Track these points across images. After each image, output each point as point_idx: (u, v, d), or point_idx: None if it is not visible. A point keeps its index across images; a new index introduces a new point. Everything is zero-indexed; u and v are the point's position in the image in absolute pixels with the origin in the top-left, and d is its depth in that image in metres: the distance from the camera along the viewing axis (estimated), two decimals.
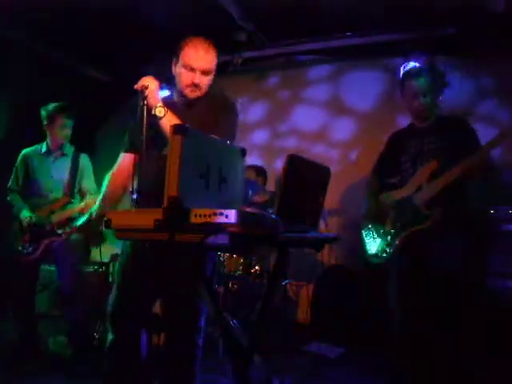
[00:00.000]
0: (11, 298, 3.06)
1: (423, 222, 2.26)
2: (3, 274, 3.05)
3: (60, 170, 3.06)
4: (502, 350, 2.66)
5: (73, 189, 3.02)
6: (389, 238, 2.36)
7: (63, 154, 3.11)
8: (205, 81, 1.89)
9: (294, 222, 1.42)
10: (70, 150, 3.15)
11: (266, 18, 3.90)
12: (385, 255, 2.36)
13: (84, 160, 3.14)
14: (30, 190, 3.07)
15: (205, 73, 1.87)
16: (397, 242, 2.32)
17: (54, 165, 3.08)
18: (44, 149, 3.11)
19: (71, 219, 2.96)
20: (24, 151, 3.17)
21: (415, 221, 2.29)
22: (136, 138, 1.88)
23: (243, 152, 1.55)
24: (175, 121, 1.74)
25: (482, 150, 2.20)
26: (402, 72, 2.63)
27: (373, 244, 2.45)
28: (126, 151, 2.05)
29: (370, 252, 2.46)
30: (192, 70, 1.86)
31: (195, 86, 1.86)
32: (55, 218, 2.94)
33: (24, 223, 2.95)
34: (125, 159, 2.04)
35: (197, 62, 1.85)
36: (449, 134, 2.33)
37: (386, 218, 2.42)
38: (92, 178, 3.14)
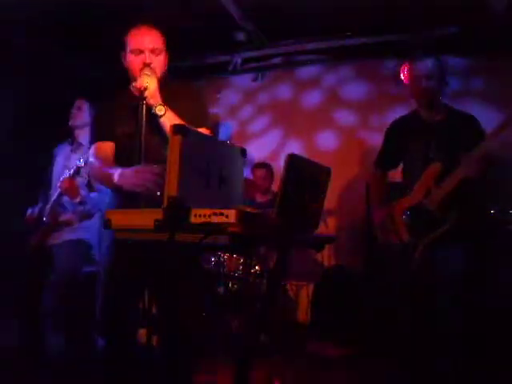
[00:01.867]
0: (16, 296, 3.04)
1: (440, 227, 2.19)
2: (10, 272, 3.03)
3: (73, 160, 3.00)
4: (503, 350, 2.66)
5: (75, 175, 2.88)
6: (410, 246, 2.26)
7: (80, 144, 3.07)
8: (156, 61, 1.85)
9: (294, 221, 1.41)
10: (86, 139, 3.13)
11: (265, 18, 3.89)
12: (410, 266, 2.26)
13: None
14: (51, 182, 3.06)
15: (154, 52, 1.85)
16: (418, 252, 2.23)
17: (72, 155, 3.06)
18: (70, 141, 3.14)
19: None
20: (55, 150, 3.19)
21: (432, 227, 2.21)
22: (118, 129, 1.86)
23: (243, 152, 1.55)
24: (175, 119, 1.74)
25: (480, 147, 2.14)
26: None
27: (395, 255, 2.36)
28: (105, 140, 1.89)
29: (394, 264, 2.39)
30: (140, 51, 1.84)
31: (147, 66, 1.82)
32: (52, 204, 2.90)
33: (28, 217, 2.96)
34: (106, 148, 1.87)
35: (143, 42, 1.84)
36: (459, 132, 2.28)
37: (400, 228, 2.32)
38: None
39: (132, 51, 1.86)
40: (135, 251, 1.73)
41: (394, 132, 2.52)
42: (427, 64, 2.31)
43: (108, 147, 1.88)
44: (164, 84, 1.87)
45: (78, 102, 3.10)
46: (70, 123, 3.09)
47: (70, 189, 2.78)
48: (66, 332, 3.02)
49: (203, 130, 1.79)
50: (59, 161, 3.11)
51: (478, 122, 2.33)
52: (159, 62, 1.87)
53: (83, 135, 3.07)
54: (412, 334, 2.29)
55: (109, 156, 1.86)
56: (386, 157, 2.56)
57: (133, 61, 1.86)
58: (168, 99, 1.83)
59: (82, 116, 3.08)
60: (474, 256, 2.30)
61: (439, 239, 2.19)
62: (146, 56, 1.84)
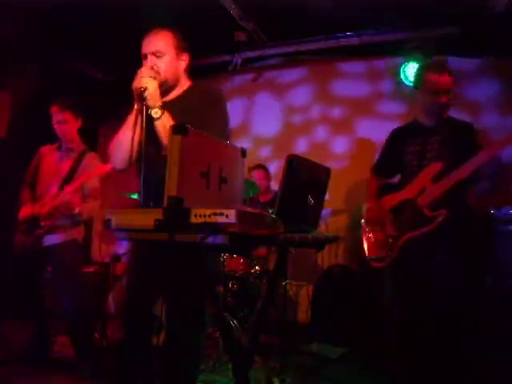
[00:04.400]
0: (23, 297, 3.05)
1: (427, 225, 2.19)
2: (13, 273, 3.03)
3: (63, 165, 3.04)
4: (502, 350, 2.66)
5: (66, 183, 2.93)
6: (390, 241, 2.28)
7: (70, 150, 3.08)
8: (160, 63, 1.85)
9: (294, 222, 1.41)
10: (78, 146, 3.11)
11: (265, 18, 3.90)
12: (387, 259, 2.28)
13: (90, 159, 3.07)
14: (38, 183, 3.07)
15: (156, 55, 1.85)
16: (399, 246, 2.24)
17: (60, 160, 3.07)
18: (59, 147, 3.14)
19: (57, 211, 2.89)
20: (42, 148, 3.19)
21: (418, 224, 2.21)
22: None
23: (243, 152, 1.55)
24: (171, 123, 1.70)
25: (489, 149, 2.13)
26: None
27: (374, 247, 2.37)
28: None
29: (371, 256, 2.38)
30: (145, 57, 1.86)
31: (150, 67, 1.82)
32: (44, 209, 2.90)
33: (20, 217, 2.95)
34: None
35: (145, 46, 1.87)
36: (455, 136, 2.29)
37: (387, 221, 2.35)
38: (95, 179, 3.01)
39: (142, 58, 1.88)
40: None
41: (393, 141, 2.54)
42: (447, 78, 2.28)
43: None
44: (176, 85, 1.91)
45: (61, 115, 3.03)
46: (60, 137, 3.07)
47: (68, 202, 2.82)
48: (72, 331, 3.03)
49: None
50: (47, 164, 3.10)
51: (478, 132, 2.34)
52: (162, 64, 1.86)
53: (72, 141, 3.10)
54: (404, 332, 2.30)
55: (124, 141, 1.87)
56: (383, 165, 2.58)
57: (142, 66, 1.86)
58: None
59: (70, 128, 3.07)
60: (472, 256, 2.30)
61: (425, 238, 2.20)
62: (149, 59, 1.85)
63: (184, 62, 1.95)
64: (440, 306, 2.19)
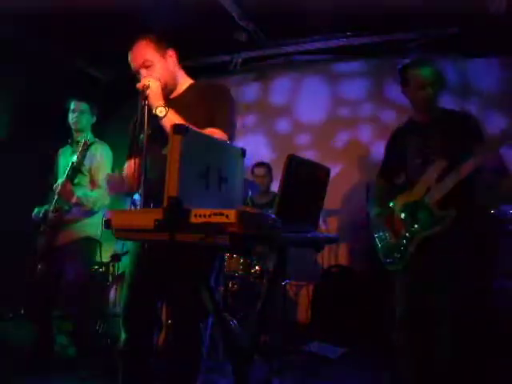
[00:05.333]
0: (29, 298, 3.05)
1: (438, 224, 2.20)
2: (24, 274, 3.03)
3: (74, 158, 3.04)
4: (504, 350, 2.66)
5: (74, 174, 2.88)
6: (404, 241, 2.28)
7: (80, 142, 2.99)
8: (153, 72, 1.86)
9: (294, 221, 1.41)
10: (89, 138, 3.05)
11: (266, 18, 3.90)
12: (402, 262, 2.28)
13: (98, 149, 3.05)
14: (55, 182, 3.05)
15: (145, 65, 1.87)
16: (412, 248, 2.24)
17: (73, 154, 3.03)
18: (70, 142, 3.19)
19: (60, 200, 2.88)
20: (59, 150, 3.24)
21: (429, 224, 2.22)
22: (132, 140, 1.90)
23: (243, 152, 1.55)
24: (177, 120, 1.73)
25: (491, 145, 2.15)
26: (401, 64, 2.48)
27: (387, 250, 2.36)
28: (128, 158, 2.00)
29: (385, 259, 2.36)
30: (138, 72, 1.88)
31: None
32: (54, 205, 2.90)
33: (35, 218, 2.98)
34: (129, 165, 1.96)
35: (133, 63, 1.89)
36: (453, 128, 2.28)
37: (398, 224, 2.34)
38: (105, 168, 3.00)
39: (136, 74, 1.89)
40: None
41: (393, 142, 2.55)
42: (429, 71, 2.30)
43: (131, 164, 1.90)
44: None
45: (78, 105, 3.08)
46: (73, 127, 3.10)
47: (64, 191, 2.81)
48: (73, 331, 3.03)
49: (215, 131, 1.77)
50: (61, 163, 3.14)
51: (475, 120, 2.33)
52: (156, 72, 1.87)
53: (83, 133, 3.11)
54: (405, 332, 2.30)
55: (129, 173, 1.89)
56: (388, 167, 2.58)
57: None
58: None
59: (84, 120, 3.11)
60: (475, 258, 2.29)
61: (436, 237, 2.20)
62: (142, 74, 1.86)
63: (172, 57, 1.95)
64: (451, 305, 2.19)
